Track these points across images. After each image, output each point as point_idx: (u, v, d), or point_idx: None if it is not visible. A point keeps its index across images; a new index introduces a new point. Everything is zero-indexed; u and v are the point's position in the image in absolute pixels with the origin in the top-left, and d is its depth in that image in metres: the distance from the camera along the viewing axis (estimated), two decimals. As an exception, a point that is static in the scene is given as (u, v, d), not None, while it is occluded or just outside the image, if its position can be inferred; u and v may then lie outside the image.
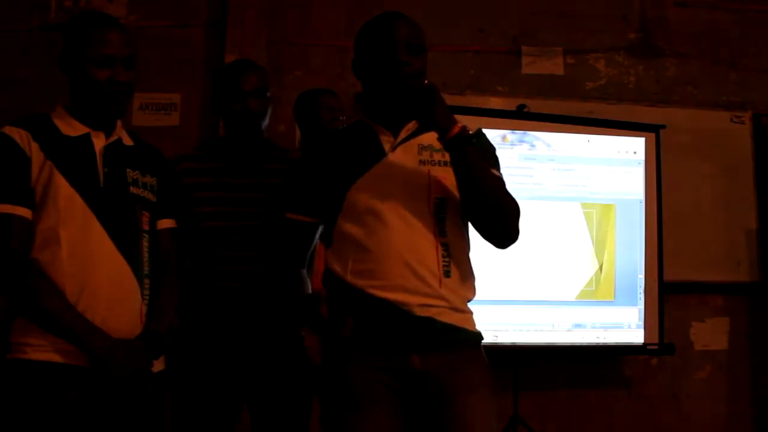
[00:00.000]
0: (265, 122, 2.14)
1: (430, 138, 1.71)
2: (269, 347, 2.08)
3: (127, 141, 1.83)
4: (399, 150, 1.72)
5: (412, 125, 1.74)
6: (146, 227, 1.79)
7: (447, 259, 1.68)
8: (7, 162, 1.65)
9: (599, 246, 3.53)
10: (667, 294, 3.64)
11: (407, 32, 1.68)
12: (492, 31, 3.93)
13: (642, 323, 3.56)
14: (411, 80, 1.65)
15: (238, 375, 2.06)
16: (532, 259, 3.36)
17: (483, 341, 1.76)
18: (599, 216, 3.55)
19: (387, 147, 1.72)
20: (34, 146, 1.66)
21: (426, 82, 1.63)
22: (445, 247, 1.68)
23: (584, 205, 3.53)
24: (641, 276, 3.57)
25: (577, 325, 3.48)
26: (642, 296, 3.57)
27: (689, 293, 3.92)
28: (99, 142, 1.75)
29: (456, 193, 1.71)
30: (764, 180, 4.00)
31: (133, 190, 1.78)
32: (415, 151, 1.73)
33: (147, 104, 3.63)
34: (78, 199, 1.67)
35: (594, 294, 3.51)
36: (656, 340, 3.58)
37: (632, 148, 3.63)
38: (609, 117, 3.72)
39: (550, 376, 3.78)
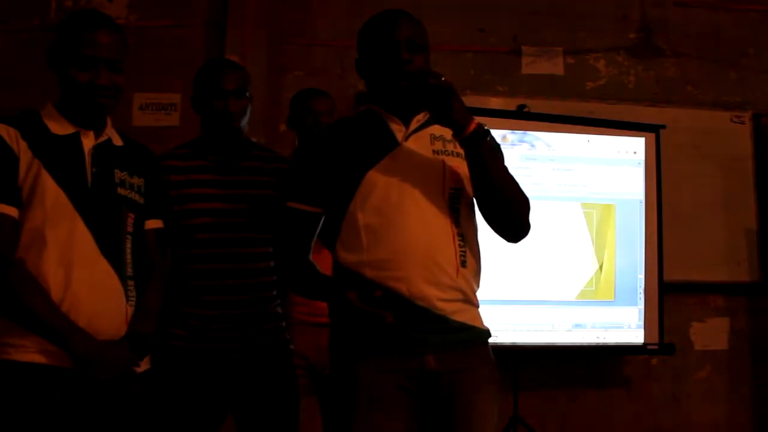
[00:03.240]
0: (244, 122, 2.13)
1: (442, 129, 1.69)
2: (255, 349, 2.07)
3: (117, 141, 1.82)
4: (412, 139, 1.71)
5: (422, 116, 1.73)
6: (131, 229, 1.78)
7: (463, 249, 1.67)
8: None
9: (599, 246, 3.53)
10: (667, 294, 3.63)
11: (409, 31, 1.67)
12: (492, 31, 3.93)
13: (642, 323, 3.56)
14: (413, 77, 1.61)
15: (223, 380, 2.04)
16: (532, 259, 3.36)
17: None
18: (599, 216, 3.55)
19: (399, 136, 1.70)
20: (23, 144, 1.65)
21: (443, 79, 1.59)
22: (462, 237, 1.68)
23: (584, 205, 3.53)
24: (641, 276, 3.57)
25: (577, 325, 3.48)
26: (642, 296, 3.56)
27: (689, 293, 3.92)
28: (88, 142, 1.73)
29: (469, 184, 1.70)
30: (764, 180, 3.99)
31: (120, 191, 1.76)
32: (427, 141, 1.72)
33: (147, 104, 3.63)
34: (64, 200, 1.66)
35: (594, 294, 3.50)
36: (656, 340, 3.58)
37: (632, 148, 3.63)
38: (609, 117, 3.72)
39: (550, 376, 3.78)
